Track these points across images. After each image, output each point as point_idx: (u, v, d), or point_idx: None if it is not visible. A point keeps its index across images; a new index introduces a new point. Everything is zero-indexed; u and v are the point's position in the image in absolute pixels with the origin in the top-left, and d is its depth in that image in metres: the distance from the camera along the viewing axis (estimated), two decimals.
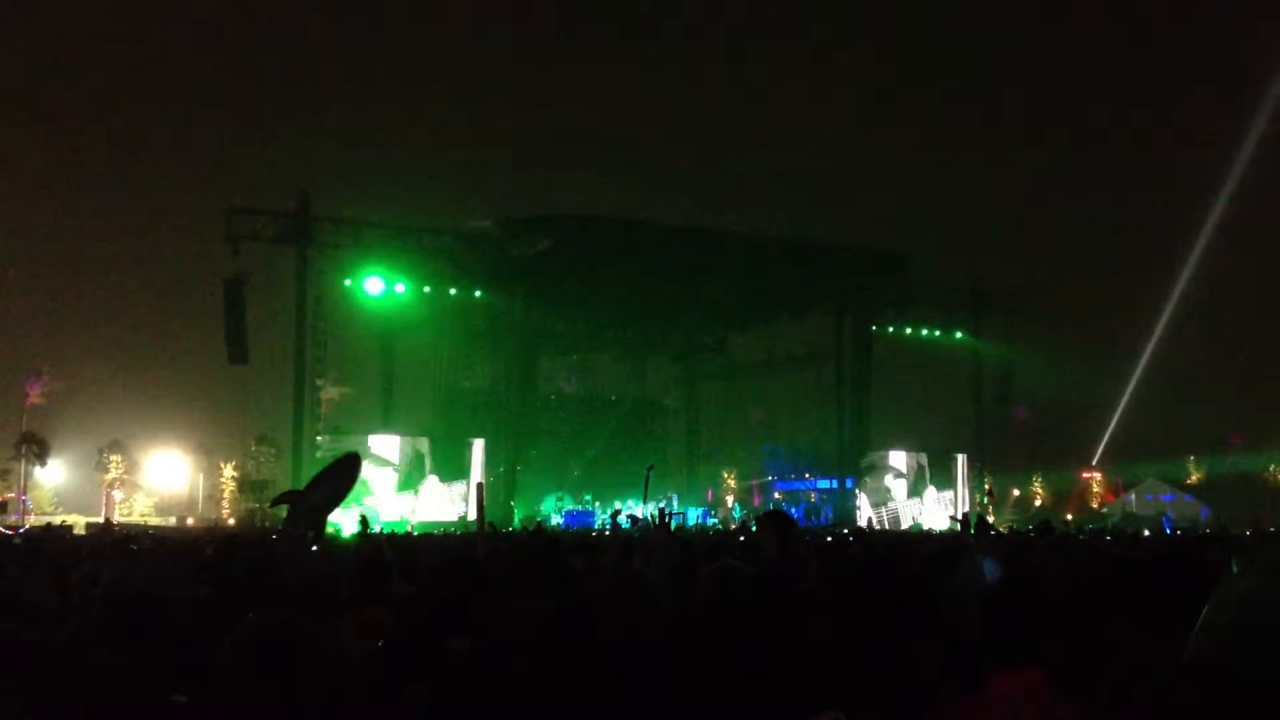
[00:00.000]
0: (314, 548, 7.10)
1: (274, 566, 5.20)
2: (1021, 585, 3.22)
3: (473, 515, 30.81)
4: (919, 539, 18.99)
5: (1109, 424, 57.07)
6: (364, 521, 11.09)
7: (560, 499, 39.53)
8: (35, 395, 53.40)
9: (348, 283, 35.00)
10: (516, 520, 34.51)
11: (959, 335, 44.12)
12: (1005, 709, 2.86)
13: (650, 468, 8.61)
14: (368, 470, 35.00)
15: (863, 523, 37.99)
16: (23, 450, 51.11)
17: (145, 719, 3.19)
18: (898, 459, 44.15)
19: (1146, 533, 24.55)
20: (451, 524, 33.11)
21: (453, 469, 37.32)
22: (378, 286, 35.60)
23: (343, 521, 23.70)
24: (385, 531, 22.21)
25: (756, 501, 49.04)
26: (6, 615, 4.29)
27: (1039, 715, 2.81)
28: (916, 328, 43.66)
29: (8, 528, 27.75)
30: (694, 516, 39.72)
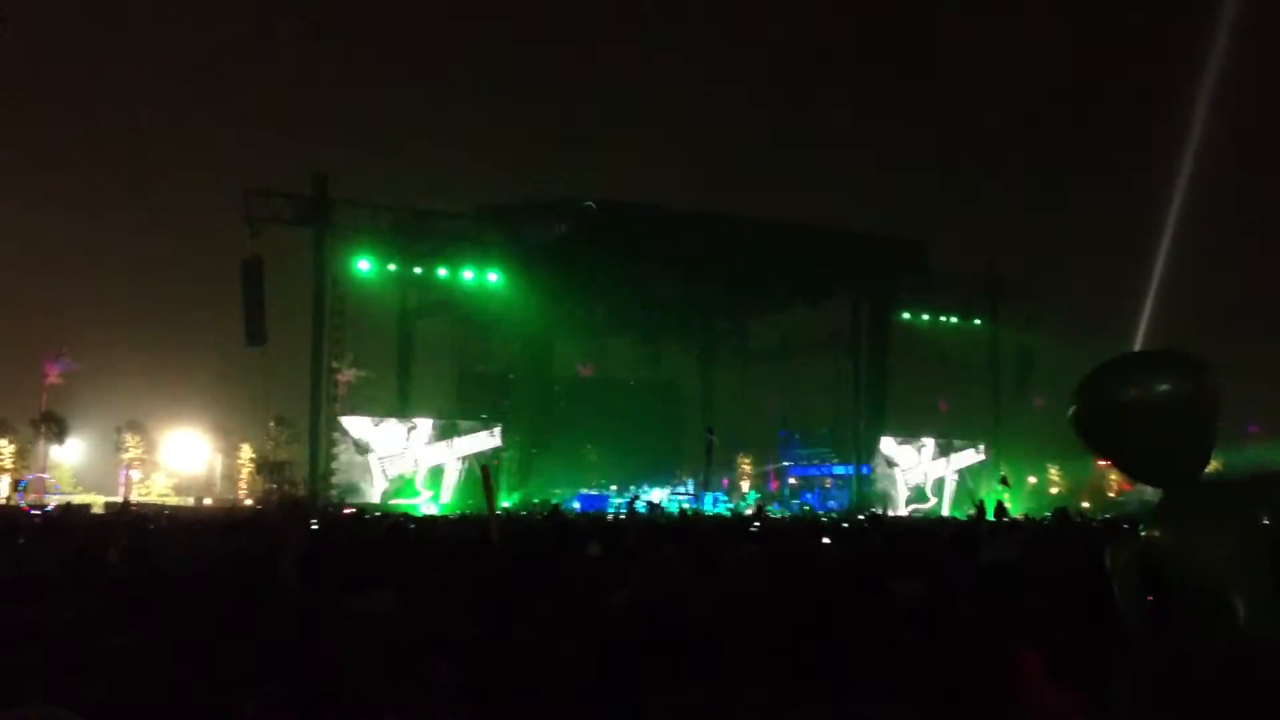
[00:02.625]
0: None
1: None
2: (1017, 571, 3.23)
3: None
4: (937, 525, 18.96)
5: None
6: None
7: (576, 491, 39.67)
8: (54, 375, 53.77)
9: (364, 265, 35.07)
10: (521, 500, 34.66)
11: (977, 322, 43.99)
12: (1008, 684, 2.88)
13: (710, 431, 7.87)
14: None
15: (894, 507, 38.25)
16: (42, 430, 51.48)
17: (166, 697, 3.21)
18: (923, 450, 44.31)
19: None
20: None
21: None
22: (394, 269, 35.76)
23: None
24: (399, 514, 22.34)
25: (772, 487, 49.08)
26: (30, 595, 4.32)
27: (1032, 694, 2.83)
28: (934, 315, 43.57)
29: (33, 507, 28.01)
30: (709, 502, 39.74)
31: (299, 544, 6.35)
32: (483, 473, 8.02)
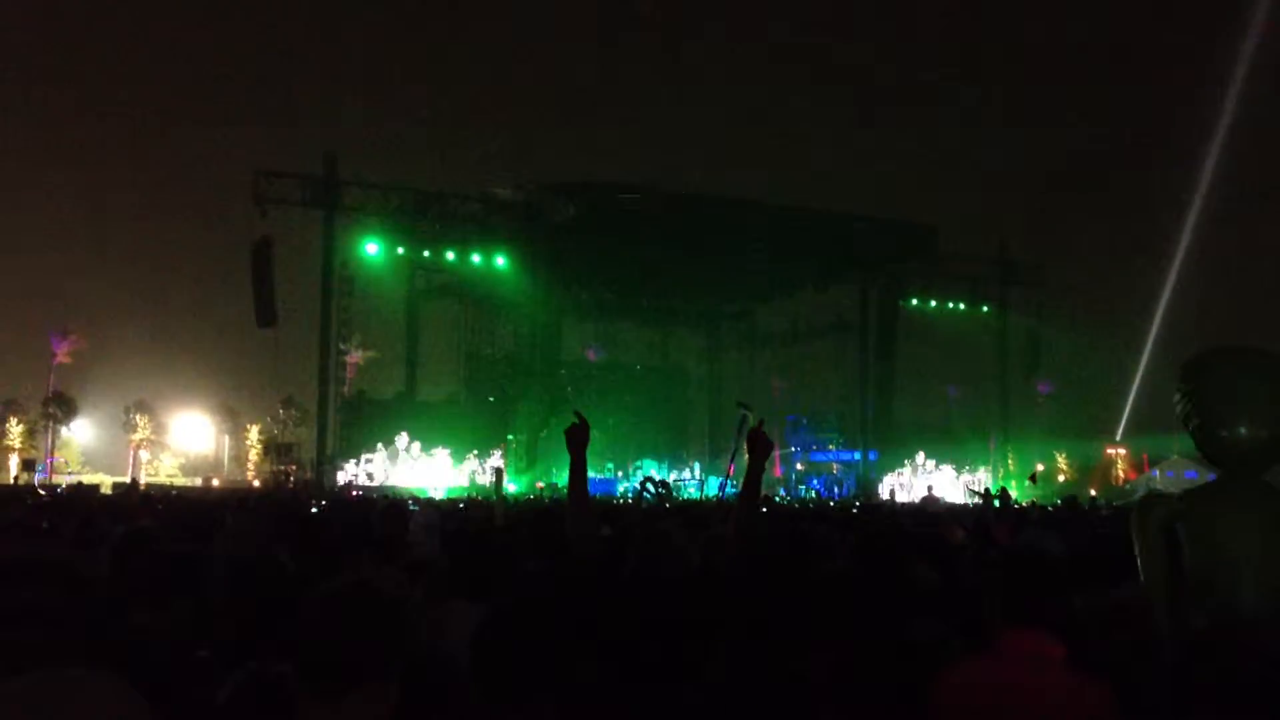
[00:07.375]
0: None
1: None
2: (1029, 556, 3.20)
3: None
4: (940, 512, 18.91)
5: (1129, 399, 56.66)
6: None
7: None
8: (63, 354, 53.90)
9: (373, 248, 35.05)
10: (529, 483, 34.66)
11: (985, 309, 43.82)
12: (1013, 668, 2.84)
13: (742, 405, 6.79)
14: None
15: (886, 494, 37.97)
16: (50, 410, 51.65)
17: (184, 679, 3.20)
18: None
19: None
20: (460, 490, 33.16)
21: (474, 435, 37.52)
22: (403, 252, 35.77)
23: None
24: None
25: (778, 473, 49.05)
26: (41, 575, 4.31)
27: (1045, 676, 2.80)
28: (943, 301, 43.37)
29: (42, 488, 28.15)
30: (714, 486, 39.73)
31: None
32: (496, 473, 8.38)
